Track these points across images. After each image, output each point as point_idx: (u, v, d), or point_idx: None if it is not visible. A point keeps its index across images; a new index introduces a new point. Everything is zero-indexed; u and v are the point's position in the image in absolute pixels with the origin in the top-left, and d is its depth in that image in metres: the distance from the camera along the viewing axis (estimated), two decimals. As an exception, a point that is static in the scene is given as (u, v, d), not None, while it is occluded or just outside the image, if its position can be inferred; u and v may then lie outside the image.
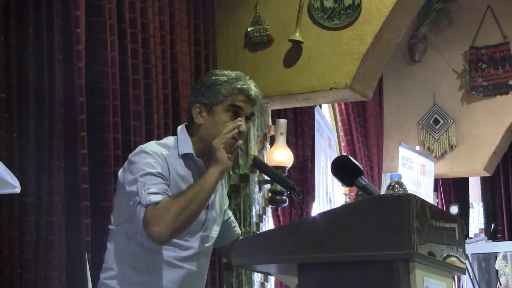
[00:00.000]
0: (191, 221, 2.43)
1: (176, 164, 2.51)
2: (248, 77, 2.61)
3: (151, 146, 2.52)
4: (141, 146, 2.55)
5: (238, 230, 2.84)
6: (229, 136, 2.47)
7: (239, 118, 2.53)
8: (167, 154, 2.50)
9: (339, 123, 6.93)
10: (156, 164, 2.44)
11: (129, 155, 2.52)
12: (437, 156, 7.61)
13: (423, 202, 2.10)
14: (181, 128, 2.61)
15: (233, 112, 2.53)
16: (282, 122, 5.19)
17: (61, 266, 3.21)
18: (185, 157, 2.54)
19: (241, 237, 2.85)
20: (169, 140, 2.59)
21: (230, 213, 2.82)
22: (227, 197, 2.78)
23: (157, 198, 2.37)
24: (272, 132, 5.17)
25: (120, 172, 2.53)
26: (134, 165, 2.45)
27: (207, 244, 2.60)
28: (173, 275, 2.50)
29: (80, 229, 3.36)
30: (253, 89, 2.56)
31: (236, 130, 2.49)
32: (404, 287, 2.00)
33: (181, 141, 2.56)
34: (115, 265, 2.53)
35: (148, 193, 2.37)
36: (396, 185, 2.31)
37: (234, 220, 2.84)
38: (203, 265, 2.61)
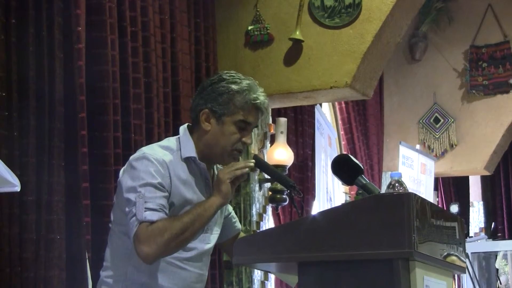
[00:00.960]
0: (182, 247, 2.44)
1: (178, 169, 2.49)
2: (257, 82, 2.58)
3: (154, 151, 2.49)
4: (143, 150, 2.51)
5: (238, 225, 2.84)
6: (238, 173, 2.46)
7: (252, 160, 2.53)
8: (169, 159, 2.47)
9: (340, 122, 6.93)
10: (156, 173, 2.42)
11: (131, 157, 2.50)
12: (438, 155, 7.61)
13: (423, 201, 2.11)
14: (183, 130, 2.58)
15: (243, 125, 2.52)
16: (283, 120, 5.20)
17: (61, 265, 3.21)
18: (187, 160, 2.52)
19: (241, 233, 2.86)
20: (171, 142, 2.57)
21: (230, 208, 2.81)
22: None
23: (153, 216, 2.35)
24: (272, 131, 5.17)
25: (121, 172, 2.52)
26: (135, 171, 2.43)
27: (208, 245, 2.60)
28: (174, 275, 2.50)
29: (80, 228, 3.36)
30: (263, 100, 2.54)
31: (247, 169, 2.48)
32: (404, 286, 2.00)
33: (183, 143, 2.54)
34: (116, 264, 2.53)
35: (145, 208, 2.35)
36: (396, 184, 2.31)
37: (235, 216, 2.84)
38: (205, 265, 2.61)
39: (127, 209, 2.40)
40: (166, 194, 2.43)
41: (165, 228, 2.35)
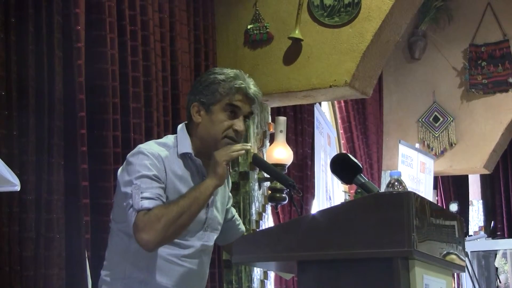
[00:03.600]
0: (181, 231, 2.44)
1: (174, 165, 2.50)
2: (247, 75, 2.59)
3: (149, 146, 2.51)
4: (139, 146, 2.54)
5: (242, 227, 2.85)
6: (234, 155, 2.47)
7: (249, 143, 2.53)
8: (165, 155, 2.49)
9: (339, 121, 6.93)
10: (152, 166, 2.43)
11: (128, 155, 2.52)
12: (437, 153, 7.61)
13: (422, 199, 2.11)
14: (181, 127, 2.60)
15: (231, 111, 2.52)
16: (282, 119, 5.19)
17: (61, 263, 3.21)
18: (184, 156, 2.53)
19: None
20: (169, 139, 2.59)
21: (234, 211, 2.82)
22: (230, 195, 2.78)
23: (150, 204, 2.37)
24: (271, 130, 5.16)
25: (119, 171, 2.53)
26: (131, 166, 2.45)
27: (207, 243, 2.60)
28: (173, 273, 2.50)
29: (80, 227, 3.37)
30: (252, 88, 2.55)
31: (243, 152, 2.48)
32: (403, 285, 2.00)
33: (180, 140, 2.55)
34: (115, 263, 2.54)
35: (141, 198, 2.37)
36: (396, 183, 2.31)
37: (238, 218, 2.84)
38: (204, 263, 2.61)
39: (125, 203, 2.42)
40: (163, 185, 2.44)
41: (162, 214, 2.36)
